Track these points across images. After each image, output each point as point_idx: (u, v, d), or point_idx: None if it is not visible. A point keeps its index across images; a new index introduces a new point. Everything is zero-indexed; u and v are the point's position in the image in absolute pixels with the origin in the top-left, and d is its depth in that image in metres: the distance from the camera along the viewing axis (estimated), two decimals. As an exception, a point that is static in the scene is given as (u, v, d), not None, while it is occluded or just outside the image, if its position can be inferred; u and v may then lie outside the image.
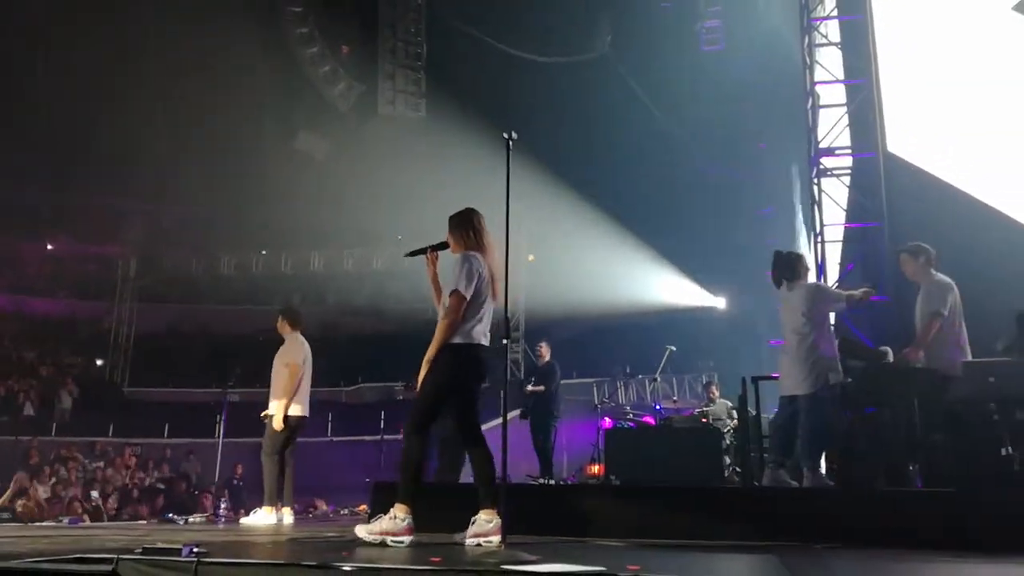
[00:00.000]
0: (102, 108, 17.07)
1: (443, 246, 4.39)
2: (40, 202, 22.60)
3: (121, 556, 2.78)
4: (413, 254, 4.50)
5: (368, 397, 18.54)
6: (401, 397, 15.18)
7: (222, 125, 17.88)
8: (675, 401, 8.83)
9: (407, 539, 3.85)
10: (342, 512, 10.66)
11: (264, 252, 23.34)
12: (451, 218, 4.34)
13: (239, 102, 17.96)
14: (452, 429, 4.37)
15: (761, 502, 4.88)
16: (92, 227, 23.23)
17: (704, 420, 7.10)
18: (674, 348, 8.36)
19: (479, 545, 3.75)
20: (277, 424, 6.61)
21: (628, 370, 11.13)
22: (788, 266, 5.82)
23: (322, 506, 11.47)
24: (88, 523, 9.03)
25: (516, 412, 9.04)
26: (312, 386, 7.00)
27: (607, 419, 8.06)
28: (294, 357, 6.79)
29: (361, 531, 3.94)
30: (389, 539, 3.82)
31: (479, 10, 16.03)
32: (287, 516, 6.60)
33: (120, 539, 4.21)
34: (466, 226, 4.29)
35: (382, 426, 11.63)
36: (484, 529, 3.87)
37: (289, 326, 6.99)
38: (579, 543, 4.27)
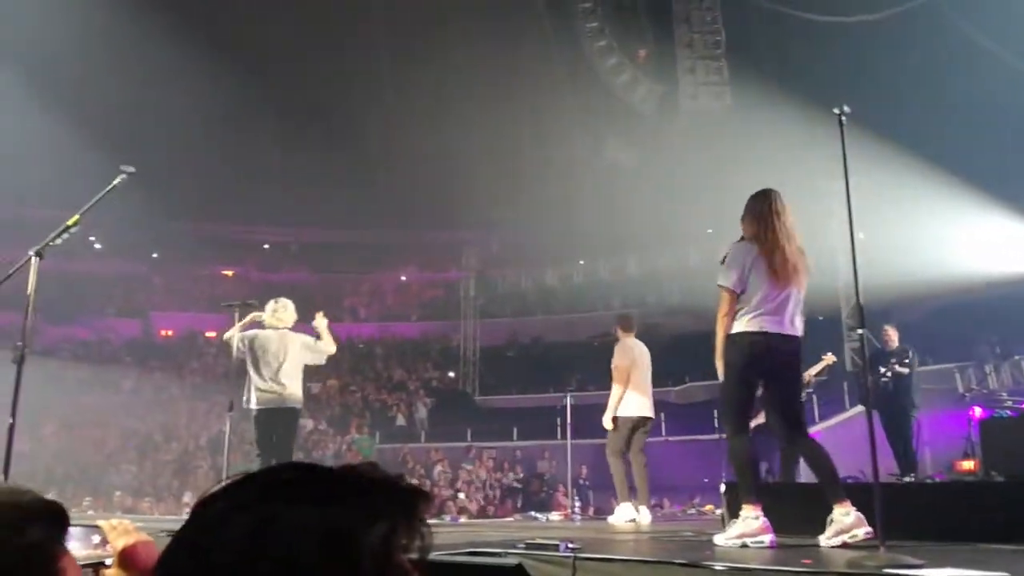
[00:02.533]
0: (427, 144, 19.05)
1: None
2: (391, 239, 25.91)
3: (507, 551, 3.08)
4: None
5: (697, 396, 18.42)
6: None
7: (535, 148, 19.05)
8: (1065, 383, 7.55)
9: (767, 538, 3.73)
10: (689, 511, 10.69)
11: (582, 262, 24.39)
12: (747, 202, 4.16)
13: (549, 124, 18.98)
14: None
15: None
16: (434, 257, 26.20)
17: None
18: (1058, 322, 7.17)
19: (844, 544, 3.53)
20: (606, 424, 6.86)
21: (999, 351, 9.72)
22: None
23: (667, 505, 11.59)
24: (464, 521, 10.07)
25: (857, 408, 8.34)
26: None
27: (978, 408, 7.14)
28: (619, 360, 6.98)
29: (719, 540, 3.86)
30: (749, 541, 3.74)
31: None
32: (645, 513, 6.77)
33: (497, 535, 4.63)
34: (753, 211, 4.09)
35: (716, 424, 11.46)
36: (845, 525, 3.63)
37: (621, 331, 7.21)
38: (962, 547, 3.84)
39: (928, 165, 13.10)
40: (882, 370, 8.00)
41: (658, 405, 7.47)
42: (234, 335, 6.44)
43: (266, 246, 27.07)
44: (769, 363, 3.97)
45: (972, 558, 3.22)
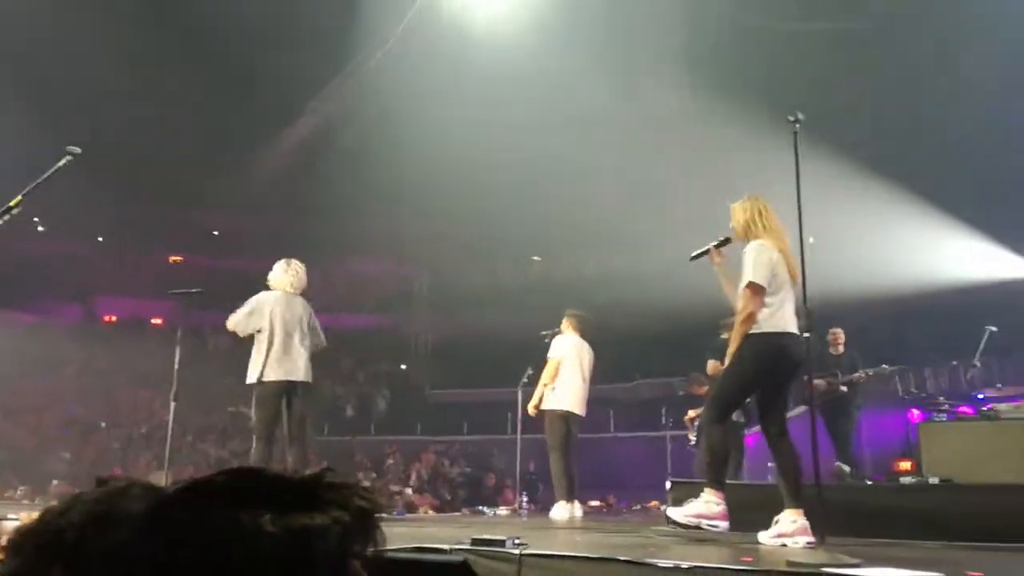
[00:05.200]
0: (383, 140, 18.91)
1: (726, 242, 4.31)
2: (344, 229, 25.64)
3: (453, 547, 3.08)
4: (697, 256, 4.43)
5: (646, 393, 18.64)
6: (682, 392, 15.06)
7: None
8: (999, 388, 7.82)
9: (723, 524, 3.81)
10: (634, 508, 10.81)
11: (537, 258, 24.43)
12: (734, 208, 4.23)
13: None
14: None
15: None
16: (388, 248, 26.00)
17: (1040, 410, 6.21)
18: (995, 329, 7.41)
19: (784, 546, 3.61)
20: (529, 410, 6.94)
21: (938, 356, 10.03)
22: None
23: (614, 501, 11.72)
24: (409, 515, 10.04)
25: (801, 408, 8.55)
26: (593, 383, 7.12)
27: (916, 410, 7.36)
28: (552, 353, 7.05)
29: (675, 513, 3.96)
30: (704, 522, 3.80)
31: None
32: (576, 510, 6.80)
33: (444, 531, 4.63)
34: (750, 213, 4.16)
35: (663, 421, 11.61)
36: (789, 529, 3.72)
37: (567, 326, 7.27)
38: (898, 545, 3.96)
39: (877, 175, 13.46)
40: (841, 378, 8.31)
41: (608, 402, 7.54)
42: (239, 319, 5.78)
43: (216, 232, 26.55)
44: (789, 365, 4.07)
45: (909, 556, 3.32)
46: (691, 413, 9.34)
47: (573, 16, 15.36)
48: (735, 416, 7.90)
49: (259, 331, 5.70)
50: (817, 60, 14.36)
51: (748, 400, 7.97)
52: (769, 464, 8.97)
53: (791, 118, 3.50)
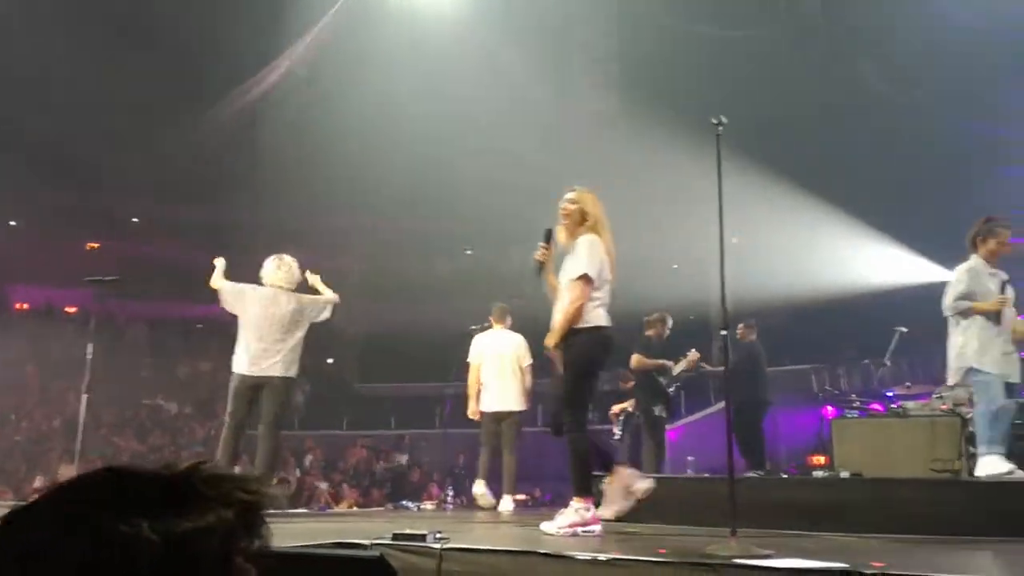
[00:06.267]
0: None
1: (549, 234, 4.28)
2: (269, 219, 25.05)
3: (374, 541, 3.05)
4: (538, 266, 4.32)
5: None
6: (608, 387, 15.26)
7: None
8: (908, 387, 8.17)
9: (597, 528, 3.87)
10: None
11: (469, 251, 24.38)
12: (584, 197, 4.23)
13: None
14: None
15: (1007, 494, 4.42)
16: (316, 240, 25.49)
17: (944, 407, 6.52)
18: (905, 329, 7.74)
19: (575, 535, 3.67)
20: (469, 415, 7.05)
21: (852, 356, 10.44)
22: None
23: (537, 494, 11.80)
24: (334, 510, 9.92)
25: (721, 404, 8.78)
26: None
27: (830, 407, 7.65)
28: (469, 358, 7.13)
29: (549, 528, 3.89)
30: (580, 530, 3.81)
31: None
32: (506, 503, 6.83)
33: (368, 526, 4.58)
34: (598, 207, 4.20)
35: (589, 416, 11.73)
36: (579, 519, 3.81)
37: (493, 320, 7.28)
38: (810, 537, 4.11)
39: (798, 182, 13.94)
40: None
41: (535, 396, 7.53)
42: (226, 287, 5.94)
43: (135, 220, 25.59)
44: (606, 357, 4.14)
45: (817, 547, 3.44)
46: (615, 408, 9.53)
47: (511, 12, 15.37)
48: (657, 411, 8.10)
49: (239, 319, 5.86)
50: (744, 66, 14.74)
51: (672, 394, 8.21)
52: (689, 458, 9.25)
53: (714, 121, 3.57)
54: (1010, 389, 5.11)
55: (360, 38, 15.71)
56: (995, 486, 4.80)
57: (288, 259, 6.15)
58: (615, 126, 15.99)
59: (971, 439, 6.05)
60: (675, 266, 18.23)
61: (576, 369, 4.03)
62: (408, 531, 3.09)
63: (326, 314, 6.26)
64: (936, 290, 5.58)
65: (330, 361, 22.93)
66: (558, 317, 4.06)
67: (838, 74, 14.32)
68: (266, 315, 5.82)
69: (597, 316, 4.05)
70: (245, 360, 5.77)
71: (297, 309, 5.99)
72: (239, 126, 18.73)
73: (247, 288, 5.97)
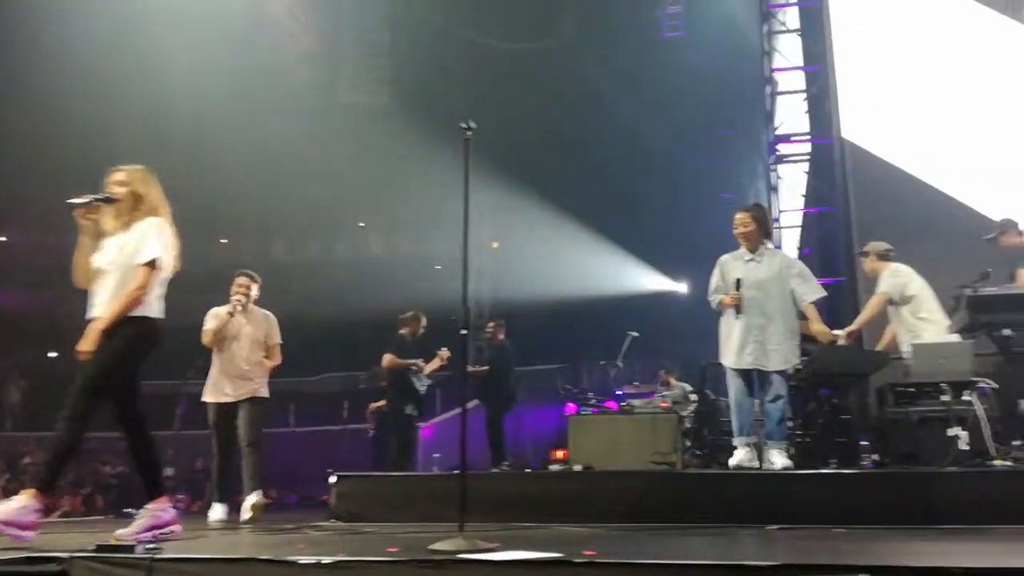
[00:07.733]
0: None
1: (108, 200, 3.86)
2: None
3: (74, 555, 2.74)
4: (78, 205, 3.84)
5: (333, 386, 18.38)
6: (363, 386, 15.11)
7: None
8: (636, 386, 8.90)
9: (178, 528, 3.87)
10: (305, 502, 10.61)
11: (224, 241, 22.94)
12: (135, 173, 3.93)
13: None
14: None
15: (720, 484, 4.94)
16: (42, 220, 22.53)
17: (664, 404, 7.17)
18: (636, 334, 8.40)
19: (155, 540, 3.44)
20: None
21: (593, 357, 11.20)
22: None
23: (273, 495, 11.40)
24: (43, 519, 8.84)
25: (473, 402, 9.03)
26: (278, 376, 6.65)
27: (571, 405, 8.10)
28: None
29: (123, 533, 3.71)
30: (158, 533, 3.71)
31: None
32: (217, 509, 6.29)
33: (75, 537, 4.14)
34: (155, 188, 3.94)
35: (345, 415, 11.54)
36: (160, 520, 3.82)
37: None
38: (540, 529, 4.29)
39: (550, 189, 14.81)
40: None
41: (290, 395, 7.20)
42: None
43: None
44: (152, 351, 3.89)
45: (543, 538, 3.60)
46: (373, 406, 9.49)
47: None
48: (408, 410, 8.13)
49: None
50: (506, 77, 15.35)
51: (424, 393, 8.26)
52: (435, 455, 9.42)
53: (463, 125, 3.60)
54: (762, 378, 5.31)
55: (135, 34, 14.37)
56: (706, 477, 5.34)
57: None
58: (387, 120, 15.98)
59: (687, 434, 6.72)
60: (438, 267, 18.52)
61: (116, 359, 3.72)
62: (113, 542, 2.81)
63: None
64: (663, 298, 6.11)
65: (54, 355, 20.55)
66: (112, 305, 3.72)
67: (590, 98, 15.42)
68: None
69: (153, 307, 3.82)
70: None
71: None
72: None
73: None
